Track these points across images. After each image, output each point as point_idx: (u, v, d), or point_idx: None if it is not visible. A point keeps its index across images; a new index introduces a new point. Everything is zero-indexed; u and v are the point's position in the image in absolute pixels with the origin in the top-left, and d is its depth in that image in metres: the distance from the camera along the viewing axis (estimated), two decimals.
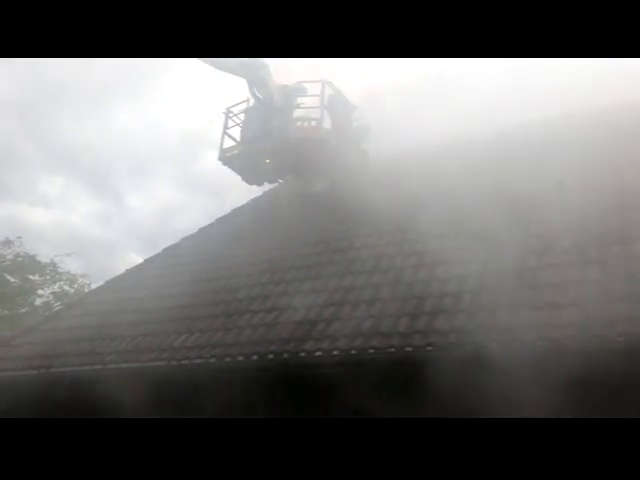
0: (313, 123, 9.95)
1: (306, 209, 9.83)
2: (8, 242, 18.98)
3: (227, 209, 11.40)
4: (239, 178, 10.90)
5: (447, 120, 9.88)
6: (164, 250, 10.28)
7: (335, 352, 5.76)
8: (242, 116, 10.62)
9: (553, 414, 4.46)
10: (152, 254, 10.34)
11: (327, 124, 9.93)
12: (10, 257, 18.99)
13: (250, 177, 10.79)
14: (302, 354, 5.91)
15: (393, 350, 5.49)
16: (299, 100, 10.11)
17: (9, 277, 18.78)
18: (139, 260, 10.44)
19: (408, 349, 5.43)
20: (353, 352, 5.67)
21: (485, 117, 9.70)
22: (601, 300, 5.06)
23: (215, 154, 10.78)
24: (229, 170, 10.75)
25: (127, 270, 9.95)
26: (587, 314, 4.97)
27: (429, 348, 5.30)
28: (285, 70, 10.00)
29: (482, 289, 5.81)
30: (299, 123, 9.98)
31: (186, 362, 6.49)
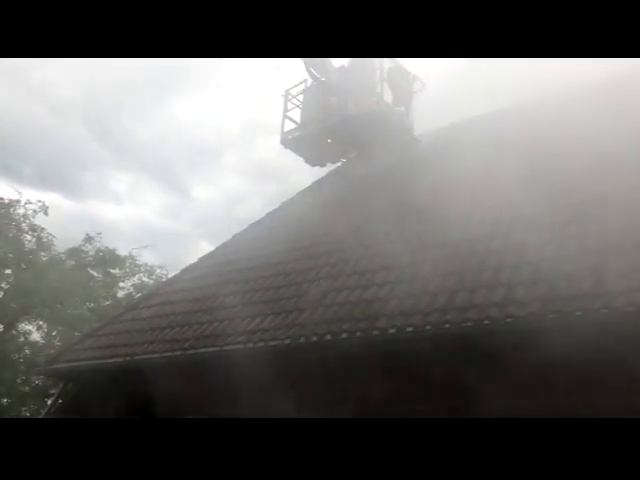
0: (373, 98, 9.75)
1: (370, 187, 9.69)
2: (89, 238, 19.96)
3: (292, 193, 11.46)
4: (302, 160, 10.90)
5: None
6: (234, 237, 10.46)
7: (409, 328, 5.64)
8: (301, 97, 10.56)
9: None
10: (221, 242, 10.56)
11: (388, 98, 9.71)
12: (92, 253, 19.96)
13: (313, 158, 10.78)
14: (375, 332, 5.83)
15: (470, 324, 5.30)
16: (358, 76, 9.91)
17: (92, 272, 19.76)
18: (210, 249, 10.66)
19: (486, 322, 5.23)
20: (428, 327, 5.53)
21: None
22: None
23: (276, 139, 10.84)
24: (292, 153, 10.77)
25: (200, 258, 10.20)
26: None
27: (509, 320, 5.07)
28: None
29: (563, 256, 5.49)
30: (358, 99, 9.79)
31: (261, 344, 6.56)
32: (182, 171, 42.08)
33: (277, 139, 10.77)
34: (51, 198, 36.14)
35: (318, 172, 11.44)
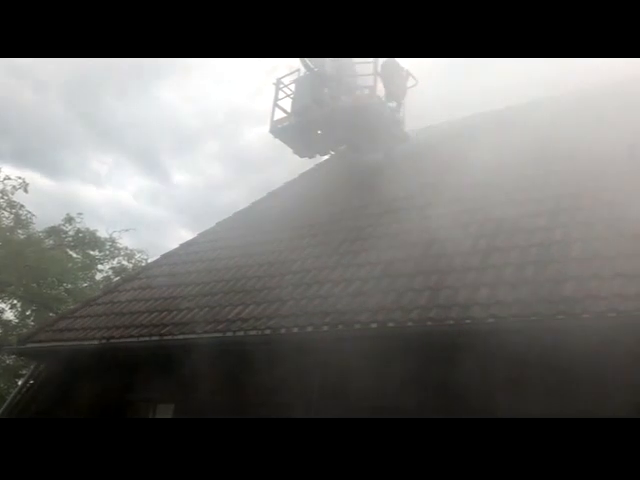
0: (366, 91, 9.68)
1: (359, 180, 9.65)
2: (69, 218, 19.65)
3: (278, 183, 11.35)
4: (290, 151, 10.80)
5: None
6: (217, 224, 10.35)
7: (390, 324, 5.62)
8: (293, 87, 10.45)
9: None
10: (202, 230, 10.43)
11: (380, 91, 9.64)
12: (71, 233, 19.65)
13: (301, 149, 10.66)
14: (357, 326, 5.80)
15: (451, 322, 5.29)
16: (351, 68, 9.83)
17: (71, 252, 19.46)
18: (190, 236, 10.53)
19: (467, 321, 5.23)
20: (410, 324, 5.51)
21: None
22: None
23: (262, 129, 10.71)
24: (280, 143, 10.66)
25: (181, 244, 10.07)
26: None
27: (490, 320, 5.07)
28: None
29: (547, 259, 5.51)
30: (351, 91, 9.72)
31: (241, 334, 6.49)
32: (164, 156, 41.65)
33: (263, 128, 10.73)
34: (29, 176, 35.61)
35: (306, 164, 11.36)
